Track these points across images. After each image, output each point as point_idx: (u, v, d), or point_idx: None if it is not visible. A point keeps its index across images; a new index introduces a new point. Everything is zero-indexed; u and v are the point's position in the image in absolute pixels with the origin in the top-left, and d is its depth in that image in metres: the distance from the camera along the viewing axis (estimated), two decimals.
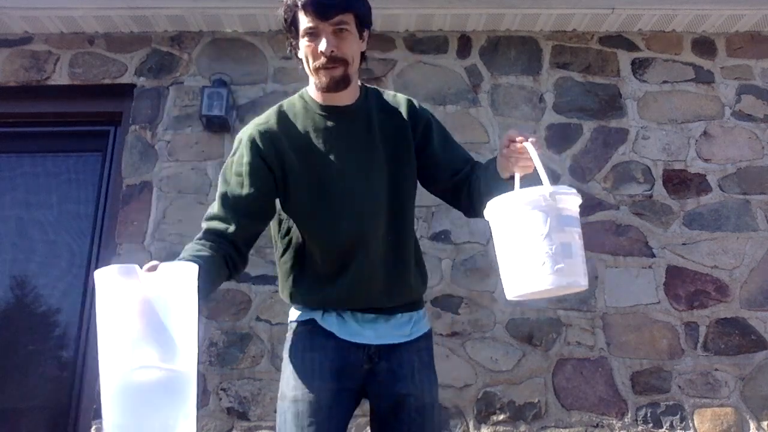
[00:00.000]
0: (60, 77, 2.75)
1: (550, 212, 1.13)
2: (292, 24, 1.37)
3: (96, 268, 2.75)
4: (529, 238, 1.14)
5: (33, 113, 2.79)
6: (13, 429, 2.46)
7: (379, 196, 1.44)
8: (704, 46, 2.80)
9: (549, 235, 1.12)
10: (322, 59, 1.33)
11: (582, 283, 1.14)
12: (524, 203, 1.15)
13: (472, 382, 2.30)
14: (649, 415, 2.28)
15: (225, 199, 1.37)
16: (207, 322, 2.38)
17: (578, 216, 1.17)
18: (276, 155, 1.37)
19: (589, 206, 2.54)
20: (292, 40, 1.40)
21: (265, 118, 1.42)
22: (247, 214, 1.36)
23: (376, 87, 1.53)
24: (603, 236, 2.50)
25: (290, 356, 1.41)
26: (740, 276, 2.46)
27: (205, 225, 1.36)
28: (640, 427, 2.26)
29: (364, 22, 1.39)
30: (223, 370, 2.32)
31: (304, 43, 1.35)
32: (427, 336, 1.52)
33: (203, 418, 2.28)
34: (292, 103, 1.45)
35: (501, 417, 2.27)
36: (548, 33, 2.80)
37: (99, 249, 2.60)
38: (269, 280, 2.42)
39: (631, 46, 2.79)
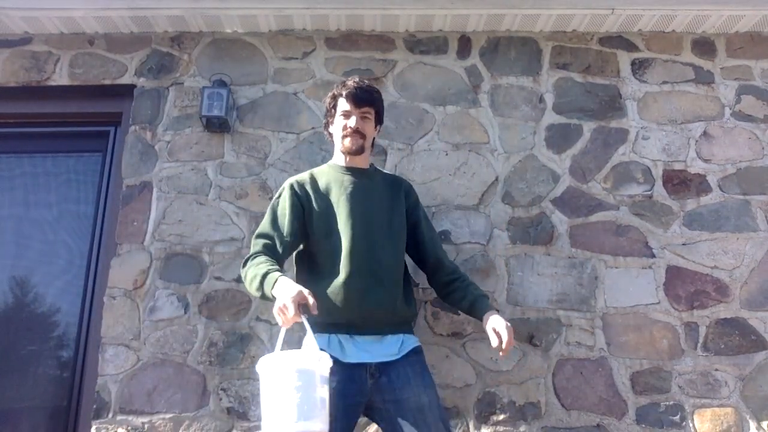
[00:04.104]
0: (60, 77, 2.75)
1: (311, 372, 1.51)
2: (333, 107, 2.03)
3: (96, 268, 2.77)
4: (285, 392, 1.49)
5: (33, 113, 2.79)
6: (13, 429, 2.46)
7: (380, 231, 1.93)
8: (704, 46, 2.80)
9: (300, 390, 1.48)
10: (349, 131, 1.98)
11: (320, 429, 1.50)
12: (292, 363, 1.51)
13: (472, 383, 2.30)
14: (649, 415, 2.28)
15: (274, 223, 1.93)
16: (207, 322, 2.38)
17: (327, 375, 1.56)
18: (305, 197, 1.96)
19: (589, 206, 2.54)
20: (329, 118, 2.06)
21: (300, 176, 2.04)
22: (290, 233, 1.91)
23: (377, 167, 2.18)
24: (603, 236, 2.50)
25: None
26: (740, 276, 2.46)
27: (260, 241, 1.90)
28: (640, 427, 2.26)
29: (379, 117, 2.09)
30: (223, 370, 2.32)
31: (339, 120, 2.01)
32: (417, 350, 1.91)
33: (203, 418, 2.28)
34: (320, 168, 2.08)
35: (501, 417, 2.27)
36: (548, 33, 2.80)
37: (99, 249, 2.60)
38: None
39: (631, 47, 2.79)
